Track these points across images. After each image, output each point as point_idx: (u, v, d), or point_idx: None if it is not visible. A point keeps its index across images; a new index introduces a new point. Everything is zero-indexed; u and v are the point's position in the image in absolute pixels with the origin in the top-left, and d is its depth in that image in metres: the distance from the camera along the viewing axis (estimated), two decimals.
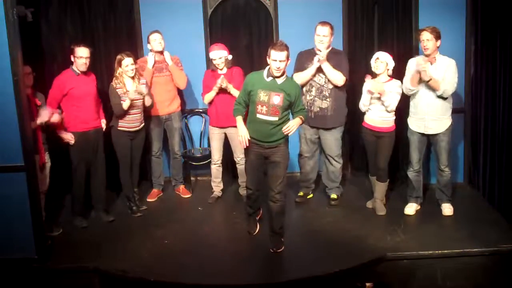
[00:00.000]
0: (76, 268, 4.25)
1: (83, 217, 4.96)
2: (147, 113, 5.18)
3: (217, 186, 5.50)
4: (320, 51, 4.78)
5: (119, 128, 4.90)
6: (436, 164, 4.93)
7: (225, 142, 5.35)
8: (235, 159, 5.39)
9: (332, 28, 4.84)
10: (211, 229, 4.94)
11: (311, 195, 5.45)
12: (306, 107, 4.81)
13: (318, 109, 4.95)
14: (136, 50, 5.64)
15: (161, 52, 5.23)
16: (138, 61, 5.28)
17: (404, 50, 5.47)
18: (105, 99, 5.02)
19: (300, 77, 4.90)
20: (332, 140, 5.08)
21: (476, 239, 4.38)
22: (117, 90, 4.79)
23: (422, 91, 4.64)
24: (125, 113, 4.83)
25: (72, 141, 4.71)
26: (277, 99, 4.11)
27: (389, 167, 4.99)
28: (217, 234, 4.84)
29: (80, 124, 4.72)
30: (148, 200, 5.48)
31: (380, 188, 4.98)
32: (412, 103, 4.78)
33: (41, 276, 4.27)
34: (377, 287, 3.99)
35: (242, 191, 5.43)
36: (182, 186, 5.67)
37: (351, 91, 5.82)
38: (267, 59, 4.10)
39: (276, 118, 4.12)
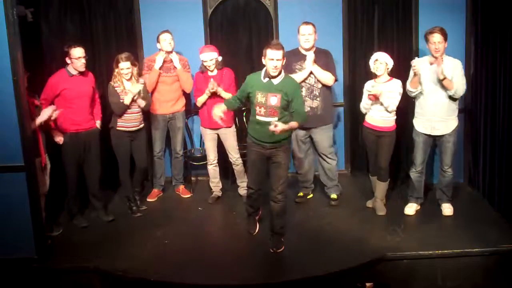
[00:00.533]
0: (76, 268, 4.25)
1: (82, 217, 4.97)
2: (151, 112, 5.18)
3: (216, 186, 5.50)
4: (306, 49, 4.86)
5: (118, 129, 4.90)
6: (439, 164, 4.92)
7: (220, 142, 5.36)
8: (230, 159, 5.40)
9: (314, 26, 4.88)
10: (211, 229, 4.95)
11: (311, 195, 5.46)
12: None
13: (309, 108, 4.96)
14: (136, 50, 5.65)
15: (171, 53, 5.23)
16: (147, 59, 5.29)
17: (404, 50, 5.47)
18: (105, 99, 5.02)
19: None
20: (324, 138, 5.10)
21: (476, 239, 4.38)
22: (115, 89, 4.79)
23: (429, 91, 4.61)
24: (125, 111, 4.83)
25: (60, 142, 4.70)
26: (274, 100, 4.09)
27: (390, 167, 4.99)
28: (217, 234, 4.85)
29: (72, 125, 4.70)
30: (148, 200, 5.48)
31: (380, 187, 4.98)
32: (418, 104, 4.75)
33: (41, 276, 4.27)
34: (377, 287, 3.98)
35: (241, 191, 5.44)
36: (182, 186, 5.67)
37: (351, 91, 5.85)
38: (263, 59, 4.09)
39: (275, 119, 4.10)
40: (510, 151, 4.63)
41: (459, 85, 4.53)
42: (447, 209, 4.92)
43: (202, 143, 5.64)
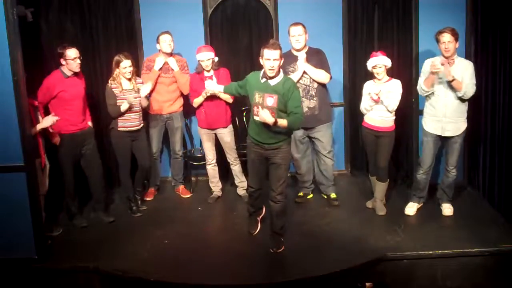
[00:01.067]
0: (76, 268, 4.25)
1: (82, 216, 4.97)
2: (149, 112, 5.18)
3: (215, 186, 5.50)
4: (298, 50, 4.88)
5: (119, 129, 4.89)
6: (444, 164, 4.90)
7: (218, 142, 5.37)
8: (228, 160, 5.40)
9: (304, 27, 4.89)
10: (211, 229, 4.95)
11: (311, 196, 5.46)
12: None
13: (307, 109, 4.96)
14: (136, 50, 5.65)
15: (170, 54, 5.23)
16: (146, 59, 5.29)
17: (404, 50, 5.47)
18: (101, 100, 5.02)
19: None
20: (323, 137, 5.11)
21: (476, 239, 4.38)
22: (113, 90, 4.79)
23: (440, 92, 4.57)
24: (120, 115, 4.82)
25: (57, 143, 4.70)
26: (270, 101, 4.07)
27: (390, 167, 4.99)
28: (217, 234, 4.85)
29: (68, 126, 4.70)
30: (145, 199, 5.47)
31: (380, 188, 4.98)
32: (428, 104, 4.71)
33: (41, 276, 4.27)
34: (377, 287, 3.98)
35: (240, 192, 5.44)
36: (182, 186, 5.67)
37: (351, 91, 5.85)
38: (260, 60, 4.07)
39: (272, 120, 4.04)
40: (510, 151, 4.62)
41: (469, 87, 4.48)
42: (447, 209, 4.92)
43: (202, 143, 5.64)
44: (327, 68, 4.95)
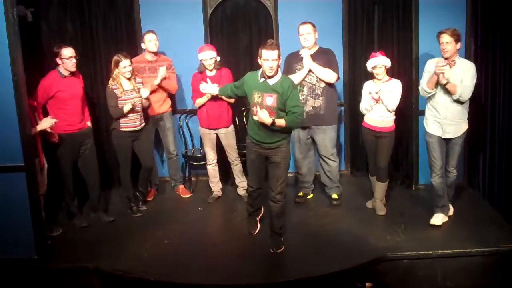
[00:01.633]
0: (76, 268, 4.25)
1: (82, 216, 4.97)
2: (148, 112, 5.19)
3: (215, 186, 5.50)
4: (305, 48, 4.90)
5: (121, 129, 4.88)
6: (445, 165, 4.88)
7: (219, 143, 5.37)
8: (229, 159, 5.40)
9: (313, 25, 4.88)
10: (211, 229, 4.94)
11: (311, 195, 5.46)
12: None
13: (311, 108, 4.96)
14: (136, 50, 5.64)
15: (155, 53, 5.22)
16: (133, 61, 5.25)
17: (404, 50, 5.47)
18: (101, 100, 5.01)
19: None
20: (326, 139, 5.09)
21: (476, 239, 4.38)
22: (114, 91, 4.78)
23: (440, 94, 4.51)
24: (121, 116, 4.81)
25: (56, 141, 4.69)
26: (270, 100, 4.06)
27: (389, 167, 4.99)
28: (217, 234, 4.85)
29: (66, 126, 4.69)
30: (147, 199, 5.46)
31: (380, 188, 4.98)
32: (429, 106, 4.65)
33: (41, 276, 4.27)
34: (377, 287, 3.98)
35: (240, 192, 5.44)
36: (182, 186, 5.68)
37: (351, 91, 5.85)
38: (258, 60, 4.06)
39: (271, 120, 4.03)
40: (510, 151, 4.62)
41: (466, 89, 4.39)
42: None
43: (202, 143, 5.64)
44: (334, 68, 4.92)
